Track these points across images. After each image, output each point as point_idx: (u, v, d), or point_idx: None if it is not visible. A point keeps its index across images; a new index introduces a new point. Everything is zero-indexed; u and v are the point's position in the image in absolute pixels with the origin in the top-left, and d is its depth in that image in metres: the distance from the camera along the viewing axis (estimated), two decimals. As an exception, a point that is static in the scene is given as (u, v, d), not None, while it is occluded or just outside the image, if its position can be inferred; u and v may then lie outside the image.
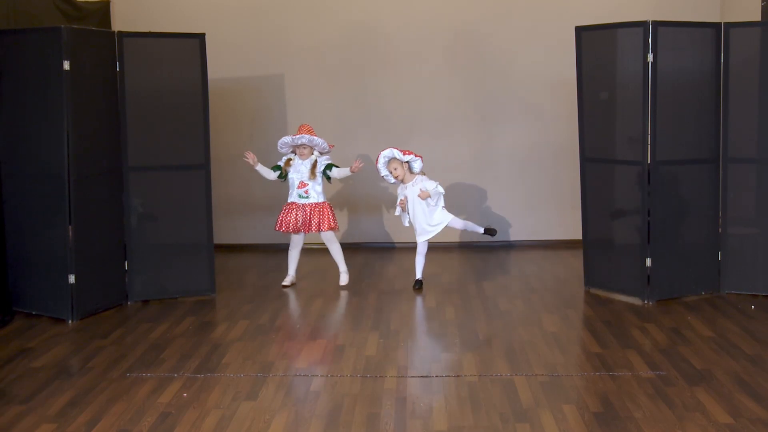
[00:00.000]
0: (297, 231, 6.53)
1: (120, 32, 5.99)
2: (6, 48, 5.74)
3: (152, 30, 6.65)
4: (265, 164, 6.86)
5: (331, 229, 6.52)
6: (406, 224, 6.55)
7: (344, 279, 6.67)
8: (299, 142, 6.41)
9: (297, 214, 6.49)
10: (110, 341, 5.27)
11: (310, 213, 6.48)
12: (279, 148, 6.51)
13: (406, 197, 6.44)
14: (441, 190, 6.39)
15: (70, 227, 5.66)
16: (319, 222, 6.48)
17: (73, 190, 5.64)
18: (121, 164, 6.03)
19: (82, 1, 7.53)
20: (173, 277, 6.27)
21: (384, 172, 6.44)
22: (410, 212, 6.47)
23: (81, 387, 4.46)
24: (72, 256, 5.69)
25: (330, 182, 6.70)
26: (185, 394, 4.34)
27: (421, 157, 6.44)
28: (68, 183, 5.62)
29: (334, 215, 6.59)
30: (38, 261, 5.81)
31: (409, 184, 6.43)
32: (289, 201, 6.56)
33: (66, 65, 5.55)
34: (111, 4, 7.95)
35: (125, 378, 4.59)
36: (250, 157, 6.54)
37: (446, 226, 6.50)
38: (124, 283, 6.13)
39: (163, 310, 5.97)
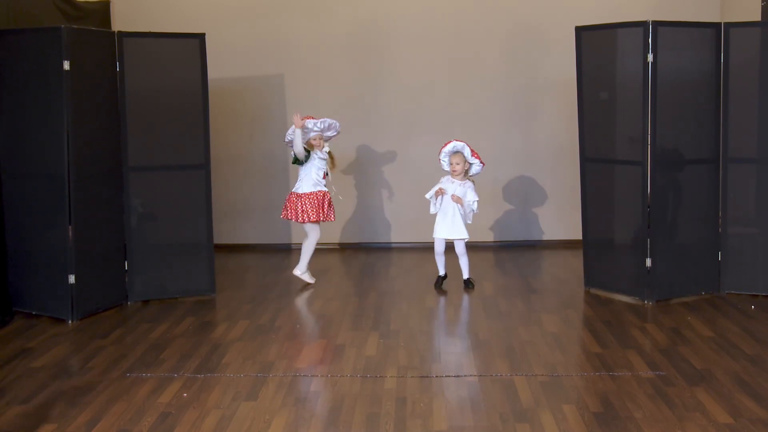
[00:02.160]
0: (318, 219, 6.52)
1: (120, 32, 5.99)
2: (6, 48, 5.74)
3: (152, 30, 6.65)
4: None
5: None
6: (432, 211, 6.44)
7: (307, 276, 6.70)
8: (320, 126, 6.41)
9: (323, 202, 6.50)
10: (110, 341, 5.27)
11: (328, 201, 6.55)
12: (307, 133, 6.39)
13: (443, 190, 6.33)
14: (475, 208, 6.39)
15: (70, 227, 5.66)
16: (328, 210, 6.56)
17: (73, 190, 5.64)
18: (121, 164, 6.03)
19: (82, 1, 7.53)
20: (173, 277, 6.27)
21: (445, 159, 6.37)
22: (442, 205, 6.37)
23: (81, 387, 4.45)
24: (72, 256, 5.69)
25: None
26: (185, 394, 4.33)
27: (484, 165, 6.43)
28: (68, 183, 5.62)
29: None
30: (38, 261, 5.81)
31: (457, 182, 6.36)
32: (307, 191, 6.45)
33: (66, 65, 5.55)
34: (111, 4, 7.96)
35: (125, 378, 4.59)
36: (296, 119, 6.32)
37: (455, 240, 6.42)
38: (124, 283, 6.13)
39: (163, 310, 5.97)
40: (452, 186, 6.35)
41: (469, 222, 6.43)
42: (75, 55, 5.60)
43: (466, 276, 6.54)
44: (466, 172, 6.39)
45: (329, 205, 6.53)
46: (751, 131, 6.08)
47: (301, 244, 6.64)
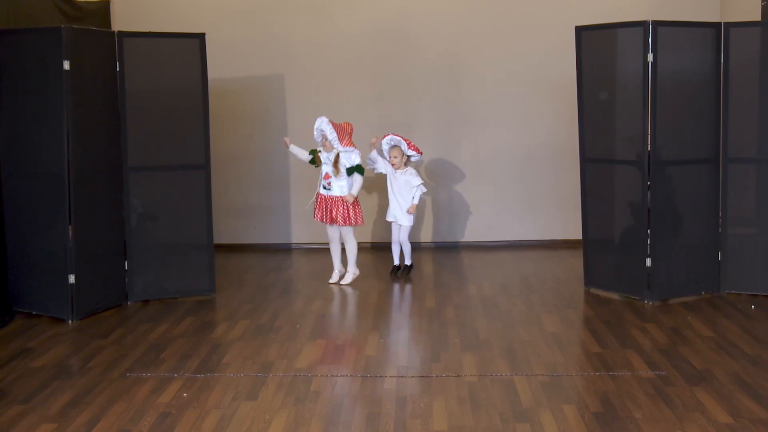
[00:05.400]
0: (323, 221, 6.60)
1: (120, 32, 5.98)
2: (6, 48, 5.74)
3: (152, 30, 6.65)
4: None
5: (349, 224, 6.53)
6: (375, 166, 6.77)
7: (348, 278, 6.68)
8: (315, 130, 6.49)
9: (322, 205, 6.58)
10: (110, 341, 5.27)
11: (331, 205, 6.53)
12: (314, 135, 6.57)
13: (377, 138, 6.73)
14: (423, 188, 6.80)
15: (70, 227, 5.66)
16: (336, 215, 6.52)
17: (73, 190, 5.64)
18: (121, 164, 6.03)
19: (82, 1, 7.53)
20: (173, 277, 6.27)
21: (381, 155, 6.77)
22: (392, 193, 6.80)
23: (81, 387, 4.46)
24: (72, 256, 5.69)
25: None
26: (185, 394, 4.33)
27: (422, 153, 6.82)
28: (68, 183, 5.62)
29: (355, 210, 6.54)
30: (38, 261, 5.81)
31: (399, 172, 6.76)
32: (317, 190, 6.65)
33: (66, 65, 5.55)
34: (111, 4, 7.95)
35: (125, 378, 4.59)
36: (287, 141, 6.72)
37: (401, 225, 6.83)
38: (124, 283, 6.13)
39: (163, 310, 5.97)
40: (395, 175, 6.75)
41: (416, 203, 6.77)
42: (75, 55, 5.59)
43: (408, 262, 6.93)
44: (405, 162, 6.79)
45: (334, 209, 6.53)
46: (751, 131, 6.08)
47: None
